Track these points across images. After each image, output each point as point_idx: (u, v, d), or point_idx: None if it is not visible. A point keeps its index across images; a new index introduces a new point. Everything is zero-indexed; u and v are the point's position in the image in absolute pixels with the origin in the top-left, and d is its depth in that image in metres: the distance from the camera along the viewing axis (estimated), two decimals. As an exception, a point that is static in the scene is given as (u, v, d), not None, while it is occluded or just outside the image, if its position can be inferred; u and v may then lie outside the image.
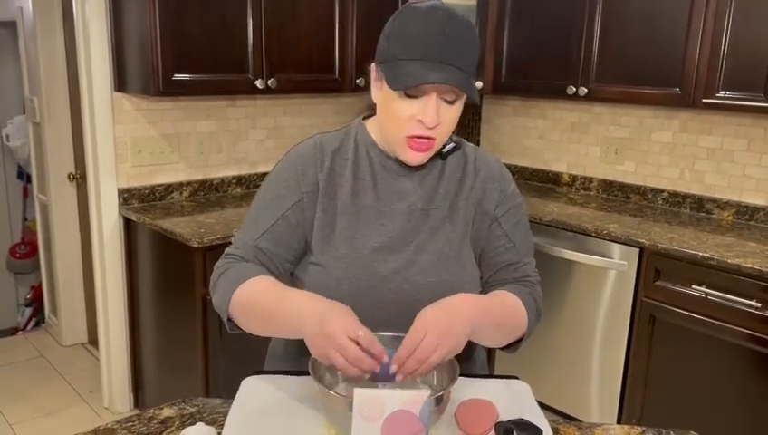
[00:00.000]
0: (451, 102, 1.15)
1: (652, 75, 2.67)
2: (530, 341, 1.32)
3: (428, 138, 1.16)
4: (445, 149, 1.28)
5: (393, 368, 1.02)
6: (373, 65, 1.21)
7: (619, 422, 2.63)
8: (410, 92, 1.13)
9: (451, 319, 1.05)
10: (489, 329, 1.15)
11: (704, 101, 2.54)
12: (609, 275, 2.64)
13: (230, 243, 2.35)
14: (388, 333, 1.13)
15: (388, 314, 1.20)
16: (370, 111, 1.29)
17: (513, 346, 1.29)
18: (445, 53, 1.10)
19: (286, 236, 1.25)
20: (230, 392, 1.22)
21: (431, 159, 1.27)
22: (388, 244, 1.23)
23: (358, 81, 2.98)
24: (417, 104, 1.13)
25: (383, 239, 1.23)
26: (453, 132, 1.30)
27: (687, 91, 2.58)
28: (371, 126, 1.29)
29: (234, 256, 1.26)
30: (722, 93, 2.49)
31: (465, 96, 1.16)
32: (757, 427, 2.28)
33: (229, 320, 1.22)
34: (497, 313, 1.19)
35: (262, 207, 1.27)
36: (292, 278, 1.30)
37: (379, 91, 1.20)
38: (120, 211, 2.82)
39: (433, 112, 1.12)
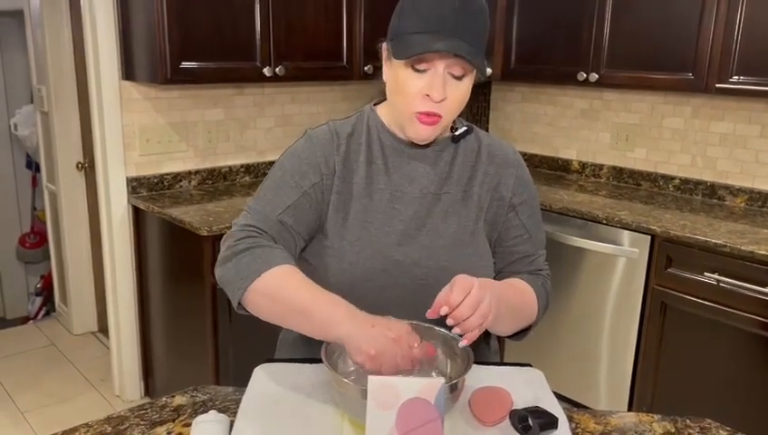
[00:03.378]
0: (459, 78, 1.14)
1: (664, 60, 2.64)
2: (540, 328, 1.32)
3: (435, 114, 1.15)
4: (456, 132, 1.27)
5: (444, 310, 1.01)
6: (384, 45, 1.21)
7: (629, 410, 2.62)
8: (417, 66, 1.12)
9: (484, 284, 1.06)
10: (504, 314, 1.15)
11: (717, 86, 2.51)
12: (619, 263, 2.62)
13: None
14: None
15: (401, 297, 1.20)
16: (381, 96, 1.28)
17: (519, 334, 1.29)
18: (453, 27, 1.10)
19: (307, 213, 1.22)
20: (239, 380, 1.21)
21: (443, 142, 1.26)
22: (401, 228, 1.22)
23: (366, 68, 2.95)
24: (425, 79, 1.13)
25: (396, 223, 1.23)
26: (463, 116, 1.29)
27: (700, 77, 2.54)
28: (382, 111, 1.29)
29: (254, 228, 1.20)
30: (735, 78, 2.46)
31: (473, 73, 1.15)
32: (770, 415, 2.26)
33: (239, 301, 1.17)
34: (512, 299, 1.19)
35: (281, 179, 1.23)
36: (300, 263, 1.27)
37: (389, 69, 1.19)
38: (128, 200, 2.81)
39: (440, 85, 1.12)
